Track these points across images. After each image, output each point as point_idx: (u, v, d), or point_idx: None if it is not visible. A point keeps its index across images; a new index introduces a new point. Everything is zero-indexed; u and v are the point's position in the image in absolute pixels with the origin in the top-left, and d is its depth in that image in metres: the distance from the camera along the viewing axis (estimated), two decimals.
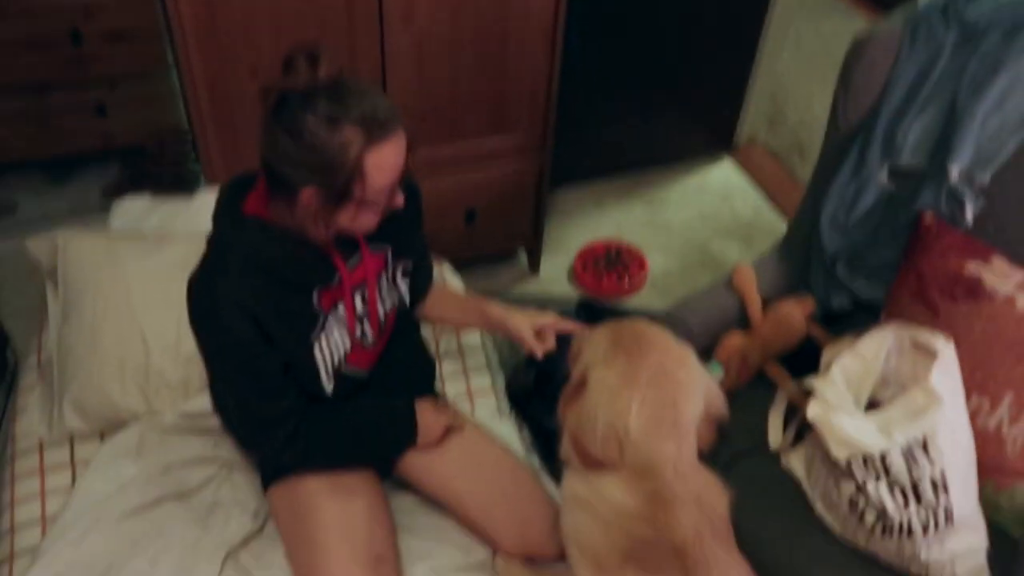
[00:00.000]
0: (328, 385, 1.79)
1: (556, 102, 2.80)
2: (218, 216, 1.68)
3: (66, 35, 3.08)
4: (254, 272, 1.63)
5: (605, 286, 3.22)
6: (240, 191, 1.68)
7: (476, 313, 2.04)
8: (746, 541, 1.84)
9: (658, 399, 1.50)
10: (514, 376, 2.76)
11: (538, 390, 2.60)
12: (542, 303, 3.12)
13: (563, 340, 2.60)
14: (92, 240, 2.25)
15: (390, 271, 1.87)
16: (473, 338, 2.45)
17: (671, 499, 1.49)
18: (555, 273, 3.35)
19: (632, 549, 1.52)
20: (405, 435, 1.90)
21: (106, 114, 3.34)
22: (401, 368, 2.00)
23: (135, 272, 2.16)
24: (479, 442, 1.99)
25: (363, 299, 1.81)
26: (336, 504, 1.82)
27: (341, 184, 1.52)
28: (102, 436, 2.16)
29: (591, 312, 2.78)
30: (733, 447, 1.96)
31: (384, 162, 1.53)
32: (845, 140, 2.18)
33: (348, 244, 1.73)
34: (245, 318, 1.62)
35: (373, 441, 1.89)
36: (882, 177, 2.12)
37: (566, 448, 1.63)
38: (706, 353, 2.06)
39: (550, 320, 1.95)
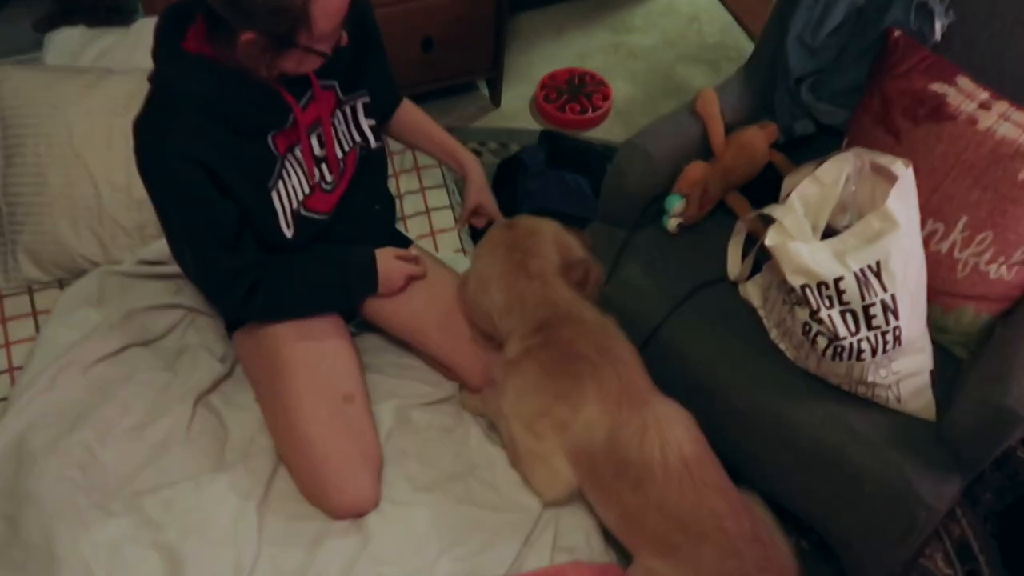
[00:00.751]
0: (288, 231, 1.75)
1: None
2: (158, 54, 1.59)
3: None
4: (203, 117, 1.57)
5: (568, 117, 3.17)
6: (179, 23, 1.58)
7: (445, 152, 2.05)
8: (703, 368, 1.90)
9: (509, 267, 1.79)
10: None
11: None
12: (504, 137, 3.08)
13: (522, 176, 2.58)
14: (28, 75, 2.17)
15: (347, 109, 1.81)
16: (434, 176, 2.43)
17: (555, 328, 1.74)
18: (517, 104, 3.28)
19: (550, 381, 1.72)
20: (366, 285, 1.89)
21: None
22: (363, 211, 1.96)
23: (76, 111, 2.10)
24: (442, 281, 1.99)
25: (319, 140, 1.75)
26: (301, 346, 1.83)
27: (284, 30, 1.46)
28: (61, 285, 2.15)
29: (555, 144, 2.74)
30: (694, 278, 1.99)
31: (331, 7, 1.47)
32: None
33: (298, 82, 1.66)
34: (196, 167, 1.57)
35: (334, 293, 1.88)
36: None
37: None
38: (668, 183, 2.05)
39: (490, 210, 2.07)
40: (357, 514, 1.76)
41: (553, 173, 2.62)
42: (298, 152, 1.73)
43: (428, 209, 2.35)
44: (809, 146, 2.17)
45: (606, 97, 3.24)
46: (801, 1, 2.12)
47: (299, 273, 1.81)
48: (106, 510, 1.73)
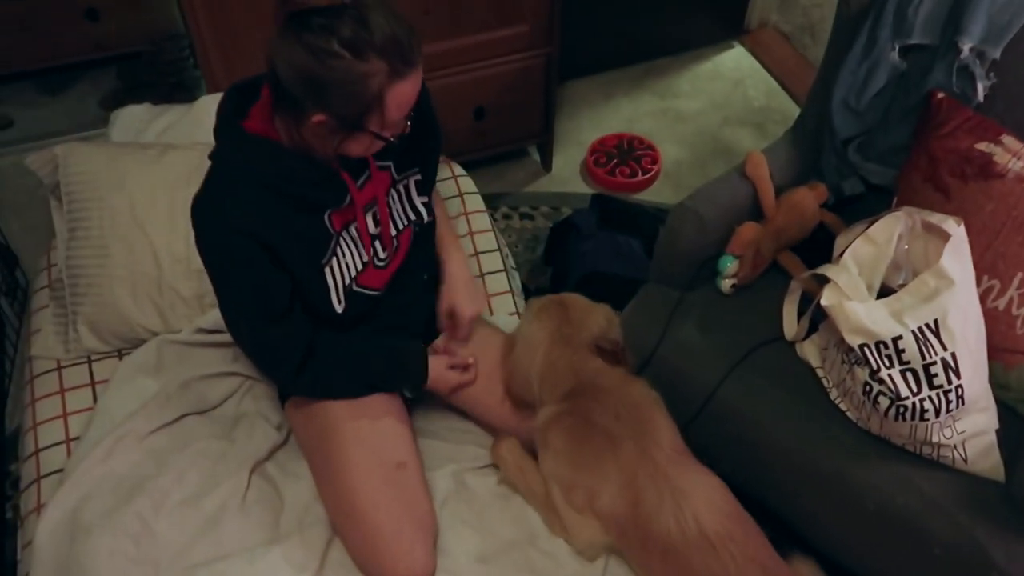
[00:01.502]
0: (339, 306, 1.76)
1: None
2: (219, 131, 1.64)
3: None
4: (260, 194, 1.60)
5: (618, 180, 3.21)
6: (242, 102, 1.63)
7: (438, 243, 2.02)
8: (763, 428, 1.88)
9: (557, 338, 1.84)
10: (531, 276, 2.80)
11: (554, 289, 2.62)
12: (556, 201, 3.13)
13: (574, 239, 2.61)
14: (92, 151, 2.21)
15: (400, 188, 1.84)
16: (488, 241, 2.45)
17: (579, 399, 1.78)
18: (568, 169, 3.33)
19: (576, 452, 1.75)
20: (414, 380, 1.89)
21: (98, 18, 3.26)
22: (414, 281, 1.95)
23: (138, 184, 2.12)
24: (494, 350, 1.98)
25: (374, 219, 1.78)
26: (354, 417, 1.82)
27: (356, 115, 1.49)
28: (120, 354, 2.17)
29: (606, 207, 2.78)
30: (749, 338, 1.98)
31: (404, 98, 1.51)
32: (856, 19, 2.15)
33: (356, 163, 1.69)
34: (251, 242, 1.60)
35: (380, 386, 1.87)
36: (893, 56, 2.10)
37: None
38: (720, 244, 2.07)
39: (462, 313, 1.94)
40: None
41: (605, 235, 2.65)
42: (353, 230, 1.74)
43: (482, 273, 2.37)
44: (858, 205, 2.17)
45: (655, 160, 3.28)
46: (844, 66, 2.15)
47: (349, 361, 1.82)
48: None
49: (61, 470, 1.94)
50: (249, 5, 2.43)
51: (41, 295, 2.31)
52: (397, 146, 1.64)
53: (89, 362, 2.16)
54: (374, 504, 1.74)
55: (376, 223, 1.78)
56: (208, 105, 2.41)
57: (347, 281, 1.76)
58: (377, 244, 1.79)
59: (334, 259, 1.72)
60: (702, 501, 1.63)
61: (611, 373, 1.81)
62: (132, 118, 2.49)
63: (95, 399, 2.09)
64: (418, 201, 1.87)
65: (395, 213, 1.83)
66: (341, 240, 1.73)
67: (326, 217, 1.68)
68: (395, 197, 1.82)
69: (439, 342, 1.96)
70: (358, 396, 1.84)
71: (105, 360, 2.17)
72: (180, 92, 3.36)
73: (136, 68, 3.43)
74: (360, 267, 1.78)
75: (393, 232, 1.82)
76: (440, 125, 1.94)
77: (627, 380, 1.82)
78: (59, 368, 2.14)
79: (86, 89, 3.58)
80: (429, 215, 1.90)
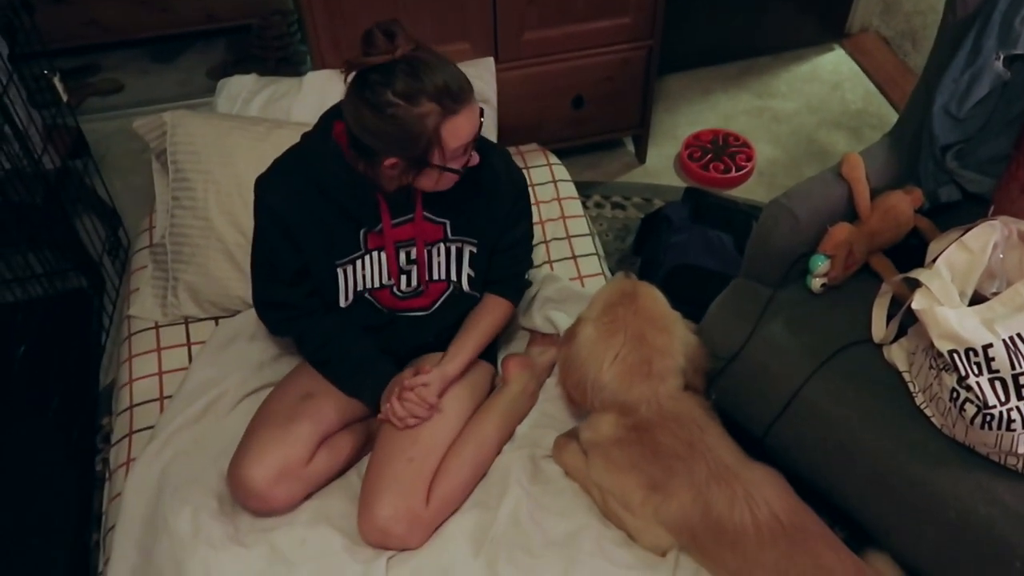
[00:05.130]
0: (344, 302, 1.92)
1: None
2: (318, 121, 1.83)
3: None
4: (306, 187, 1.80)
5: (712, 175, 3.23)
6: (342, 114, 1.78)
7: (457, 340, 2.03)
8: (846, 430, 1.88)
9: (633, 358, 1.81)
10: (619, 265, 2.83)
11: (643, 278, 2.65)
12: (648, 193, 3.16)
13: (665, 231, 2.64)
14: (201, 122, 2.27)
15: (452, 247, 1.94)
16: (580, 226, 2.51)
17: (648, 427, 1.79)
18: (662, 162, 3.36)
19: (641, 474, 1.78)
20: (368, 401, 1.96)
21: None
22: (417, 335, 2.03)
23: (246, 160, 2.19)
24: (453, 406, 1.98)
25: (407, 256, 1.90)
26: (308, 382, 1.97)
27: (420, 152, 1.66)
28: (216, 320, 2.25)
29: (699, 201, 2.80)
30: (837, 339, 1.99)
31: (459, 130, 1.67)
32: (961, 27, 2.13)
33: (404, 203, 1.85)
34: (276, 220, 1.81)
35: (337, 381, 1.96)
36: (998, 66, 2.08)
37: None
38: (813, 244, 2.08)
39: (424, 375, 1.92)
40: (248, 501, 1.81)
41: (696, 229, 2.67)
42: (383, 255, 1.89)
43: (575, 255, 2.42)
44: (953, 213, 2.16)
45: (749, 158, 3.28)
46: (947, 73, 2.13)
47: (330, 347, 1.95)
48: (240, 542, 1.78)
49: (153, 427, 2.02)
50: None
51: (141, 255, 2.40)
52: (460, 207, 1.86)
53: (186, 323, 2.25)
54: (263, 416, 1.90)
55: (409, 261, 1.91)
56: (315, 81, 2.49)
57: (359, 288, 1.91)
58: (404, 279, 1.93)
59: (351, 266, 1.88)
60: (770, 487, 1.71)
61: (685, 400, 1.83)
62: (238, 88, 2.57)
63: (190, 359, 2.17)
64: (466, 270, 1.98)
65: (435, 264, 1.95)
66: (368, 257, 1.88)
67: (361, 233, 1.86)
68: (441, 251, 1.94)
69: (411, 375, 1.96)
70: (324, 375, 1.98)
71: (202, 322, 2.25)
72: (285, 66, 3.47)
73: (244, 41, 3.54)
74: (378, 285, 1.92)
75: (426, 277, 1.95)
76: (525, 239, 2.08)
77: (691, 401, 1.84)
78: (156, 327, 2.24)
79: (195, 59, 3.72)
80: (470, 288, 2.00)
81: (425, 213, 1.88)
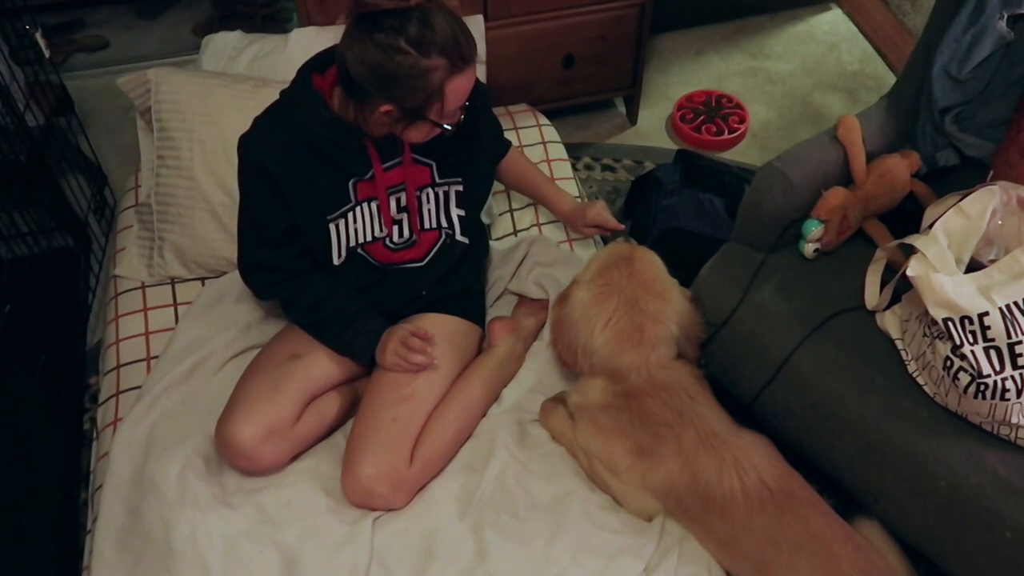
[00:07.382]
0: (337, 259, 1.91)
1: None
2: (296, 75, 1.82)
3: None
4: (292, 141, 1.78)
5: (704, 138, 3.19)
6: (321, 66, 1.80)
7: (545, 197, 2.23)
8: (837, 398, 1.87)
9: (625, 323, 1.79)
10: None
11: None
12: (639, 155, 3.12)
13: (656, 194, 2.62)
14: (185, 80, 2.23)
15: (439, 192, 1.94)
16: (569, 189, 2.46)
17: (638, 394, 1.77)
18: (653, 123, 3.31)
19: (629, 439, 1.77)
20: (362, 356, 1.93)
21: None
22: (411, 290, 2.02)
23: (230, 120, 2.16)
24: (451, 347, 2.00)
25: (398, 204, 1.90)
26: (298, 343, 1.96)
27: (418, 104, 1.65)
28: (202, 281, 2.23)
29: (690, 164, 2.76)
30: (829, 305, 1.97)
31: (461, 90, 1.69)
32: None
33: (390, 146, 1.84)
34: (262, 176, 1.78)
35: (336, 343, 1.93)
36: (1001, 25, 2.06)
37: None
38: (806, 208, 2.06)
39: (603, 221, 2.20)
40: (236, 460, 1.81)
41: (688, 192, 2.64)
42: (375, 206, 1.88)
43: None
44: (951, 177, 2.14)
45: (742, 120, 3.25)
46: (948, 33, 2.10)
47: (320, 308, 1.92)
48: (226, 503, 1.79)
49: (140, 387, 2.01)
50: None
51: (127, 215, 2.39)
52: (442, 148, 1.85)
53: (172, 284, 2.24)
54: (251, 376, 1.90)
55: (400, 209, 1.90)
56: (300, 39, 2.44)
57: (352, 243, 1.90)
58: (396, 229, 1.92)
59: (343, 220, 1.86)
60: (759, 454, 1.71)
61: (676, 368, 1.82)
62: (224, 45, 2.51)
63: (176, 320, 2.16)
64: (455, 212, 1.98)
65: (425, 211, 1.95)
66: (359, 209, 1.87)
67: (350, 184, 1.85)
68: (430, 196, 1.94)
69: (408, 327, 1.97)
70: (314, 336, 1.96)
71: (188, 283, 2.24)
72: (271, 23, 3.43)
73: None
74: (370, 239, 1.91)
75: (417, 226, 1.94)
76: (496, 142, 2.13)
77: (681, 370, 1.83)
78: (143, 287, 2.22)
79: (181, 15, 3.67)
80: (463, 233, 2.00)
81: (413, 155, 1.87)
